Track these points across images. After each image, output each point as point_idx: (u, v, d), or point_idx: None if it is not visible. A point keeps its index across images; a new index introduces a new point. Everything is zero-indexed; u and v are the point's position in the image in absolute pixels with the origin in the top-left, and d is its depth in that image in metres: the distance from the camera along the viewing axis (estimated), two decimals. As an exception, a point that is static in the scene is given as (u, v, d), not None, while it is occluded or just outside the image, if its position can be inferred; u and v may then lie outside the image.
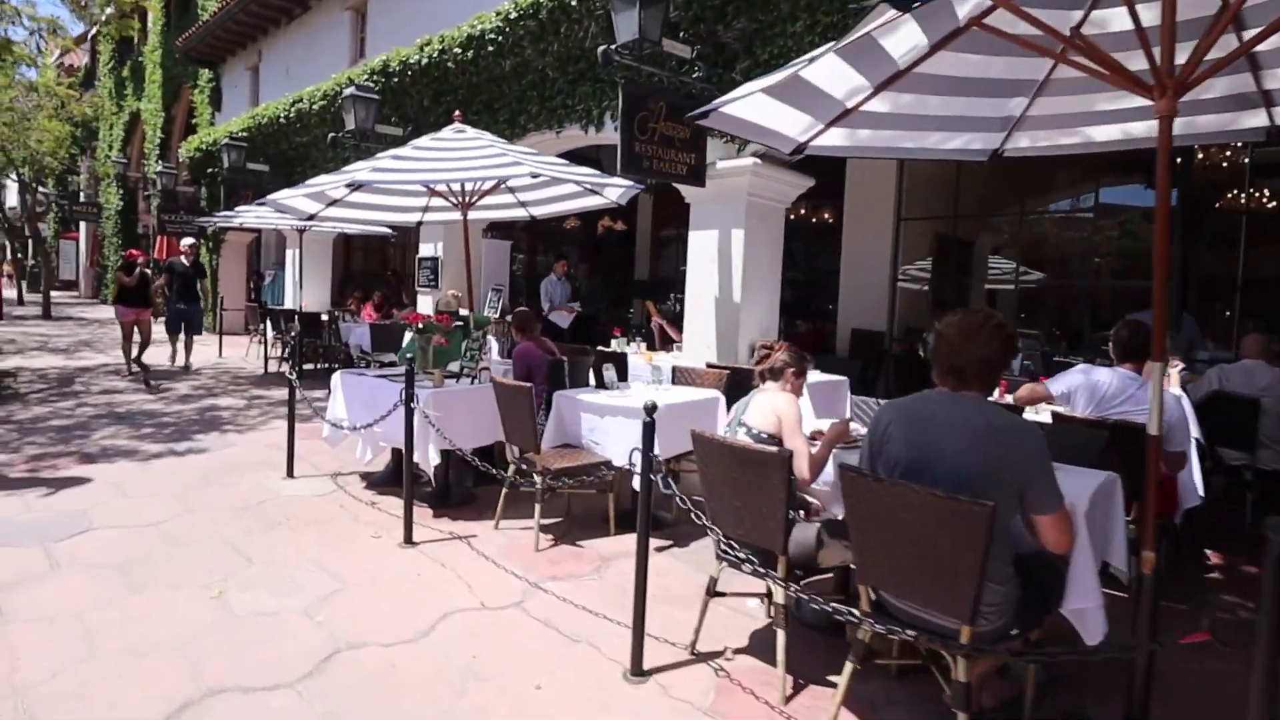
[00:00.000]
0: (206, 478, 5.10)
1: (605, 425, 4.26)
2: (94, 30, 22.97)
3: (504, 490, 4.27)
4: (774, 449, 2.60)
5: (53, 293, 20.45)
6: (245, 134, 12.22)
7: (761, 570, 2.65)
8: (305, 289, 12.23)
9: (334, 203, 5.97)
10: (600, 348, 7.12)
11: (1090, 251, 8.29)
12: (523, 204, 6.48)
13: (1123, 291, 8.11)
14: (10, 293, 23.06)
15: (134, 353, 9.12)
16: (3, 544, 3.75)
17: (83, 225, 26.19)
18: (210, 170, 13.66)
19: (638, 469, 4.14)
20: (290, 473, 5.19)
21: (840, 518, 3.16)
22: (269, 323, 10.98)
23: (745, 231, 5.98)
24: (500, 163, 4.54)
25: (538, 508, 4.05)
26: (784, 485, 2.58)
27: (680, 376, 5.13)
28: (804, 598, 2.42)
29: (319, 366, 10.53)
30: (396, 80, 9.09)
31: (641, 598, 2.75)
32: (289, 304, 12.41)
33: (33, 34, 8.31)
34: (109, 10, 9.47)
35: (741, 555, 2.67)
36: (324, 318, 10.18)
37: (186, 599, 3.22)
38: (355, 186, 5.50)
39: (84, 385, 8.61)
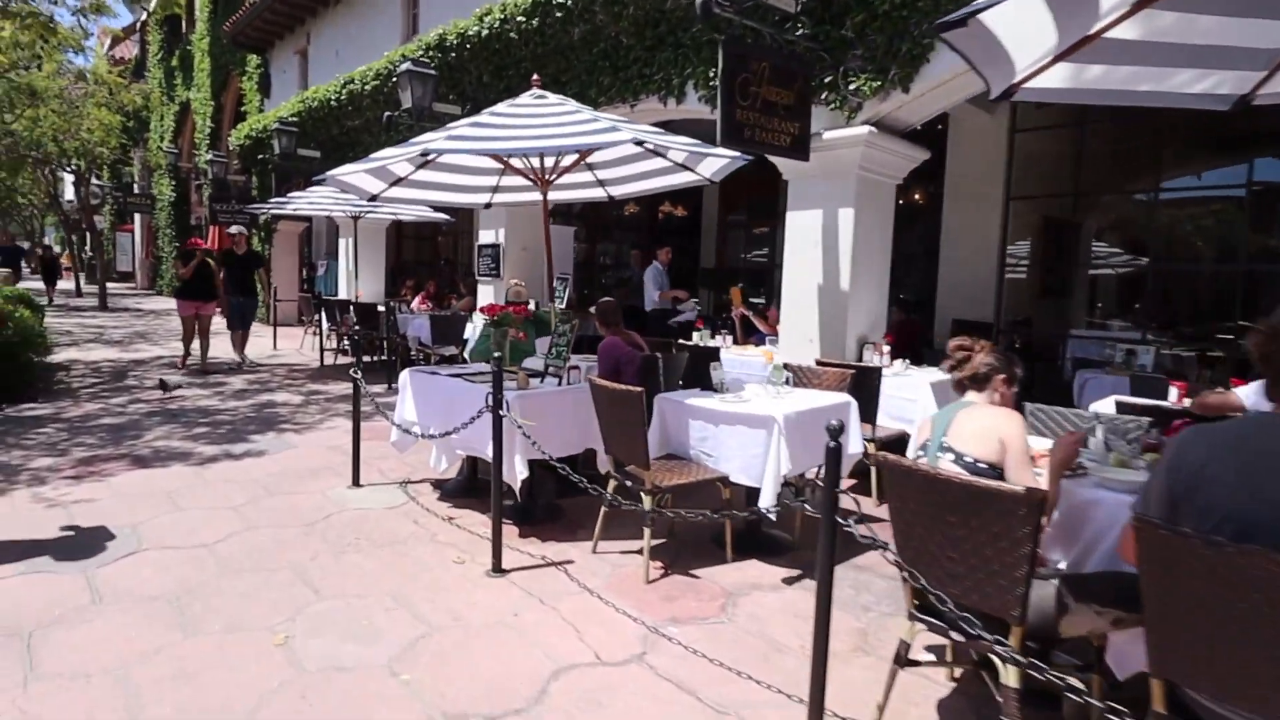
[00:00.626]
0: (266, 485, 4.63)
1: (721, 435, 3.63)
2: (143, 17, 23.06)
3: (604, 509, 3.68)
4: (1019, 489, 1.93)
5: (109, 284, 20.64)
6: (295, 119, 11.85)
7: (987, 640, 2.00)
8: (359, 279, 11.86)
9: (397, 181, 5.41)
10: (681, 341, 6.50)
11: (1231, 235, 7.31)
12: (601, 183, 5.85)
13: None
14: (69, 284, 23.41)
15: (194, 349, 8.91)
16: (41, 570, 3.29)
17: (137, 217, 26.49)
18: (261, 156, 13.37)
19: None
20: (356, 480, 4.69)
21: (1060, 565, 2.50)
22: (324, 314, 10.61)
23: (855, 210, 5.28)
24: (595, 129, 3.91)
25: (647, 533, 3.45)
26: (1030, 537, 1.92)
27: (794, 376, 4.46)
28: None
29: (376, 359, 10.12)
30: (454, 55, 8.55)
31: (821, 669, 2.13)
32: (343, 294, 12.06)
33: (76, 13, 7.90)
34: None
35: (946, 613, 2.02)
36: (380, 309, 9.73)
37: (247, 646, 2.70)
38: (427, 159, 4.94)
39: (137, 380, 8.31)
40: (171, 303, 10.56)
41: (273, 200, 9.18)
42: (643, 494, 3.43)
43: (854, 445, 3.94)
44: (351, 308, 10.14)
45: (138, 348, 11.01)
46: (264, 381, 8.50)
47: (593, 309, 4.84)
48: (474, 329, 8.29)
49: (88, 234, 20.17)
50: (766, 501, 3.39)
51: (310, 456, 5.37)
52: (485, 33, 7.96)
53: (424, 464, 4.79)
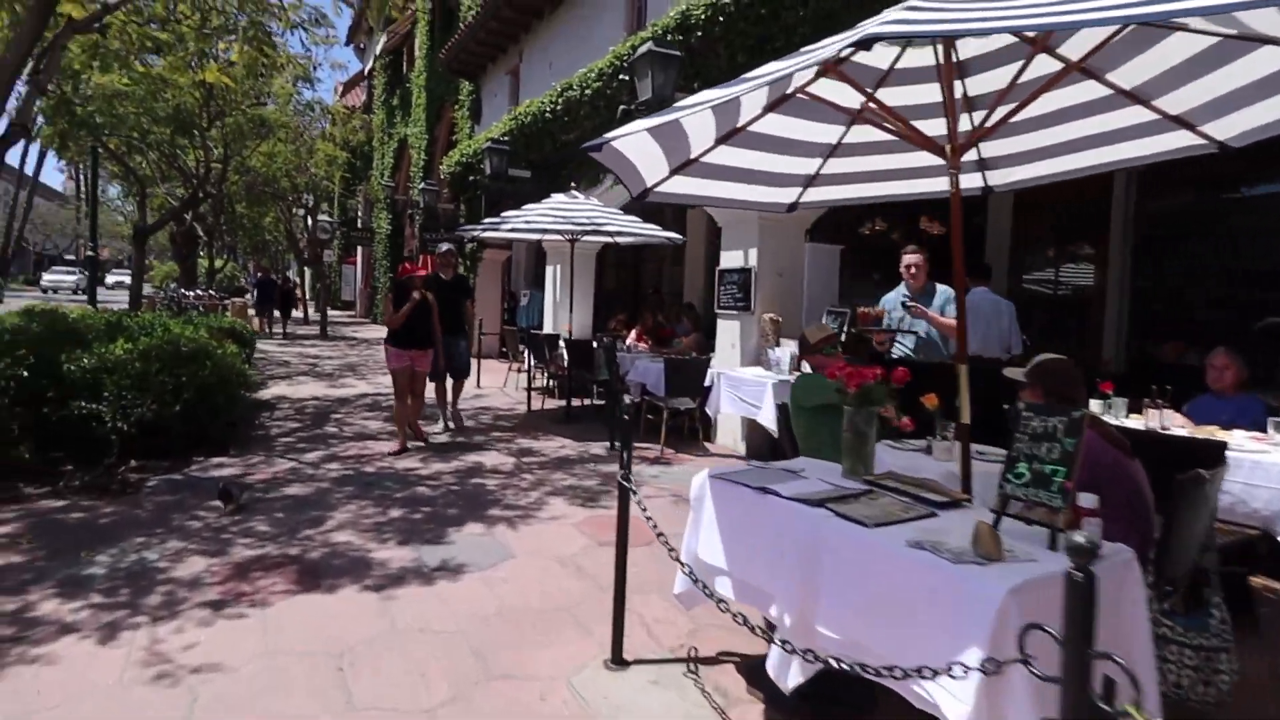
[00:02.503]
0: (476, 649, 2.91)
1: None
2: (369, 64, 24.47)
3: None
4: None
5: (333, 312, 21.72)
6: (506, 138, 10.90)
7: None
8: (563, 311, 10.55)
9: (685, 166, 3.60)
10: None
11: None
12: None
13: None
14: (299, 313, 25.19)
15: (410, 412, 6.44)
16: None
17: (359, 249, 28.20)
18: (472, 179, 12.68)
19: None
20: (617, 655, 2.83)
21: None
22: (530, 350, 9.33)
23: None
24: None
25: None
26: None
27: None
28: None
29: (587, 403, 8.60)
30: (700, 35, 6.83)
31: None
32: (548, 328, 10.82)
33: (295, 27, 7.13)
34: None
35: None
36: (596, 347, 8.20)
37: None
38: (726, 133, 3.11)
39: (337, 426, 7.31)
40: (383, 331, 9.76)
41: (486, 221, 7.98)
42: None
43: None
44: (563, 344, 8.72)
45: (346, 382, 10.40)
46: (469, 431, 7.18)
47: (1028, 371, 2.67)
48: (714, 377, 6.40)
49: (315, 265, 21.33)
50: None
51: (534, 579, 3.64)
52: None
53: (710, 608, 2.87)
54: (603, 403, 8.57)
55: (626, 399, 7.54)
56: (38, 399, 5.42)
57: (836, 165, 3.50)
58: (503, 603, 3.33)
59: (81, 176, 33.72)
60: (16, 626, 2.97)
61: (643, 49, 6.46)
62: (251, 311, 18.68)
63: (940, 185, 3.43)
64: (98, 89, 9.25)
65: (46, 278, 36.44)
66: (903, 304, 4.20)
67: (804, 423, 3.46)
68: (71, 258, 51.44)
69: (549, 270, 10.93)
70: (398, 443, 6.25)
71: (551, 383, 9.27)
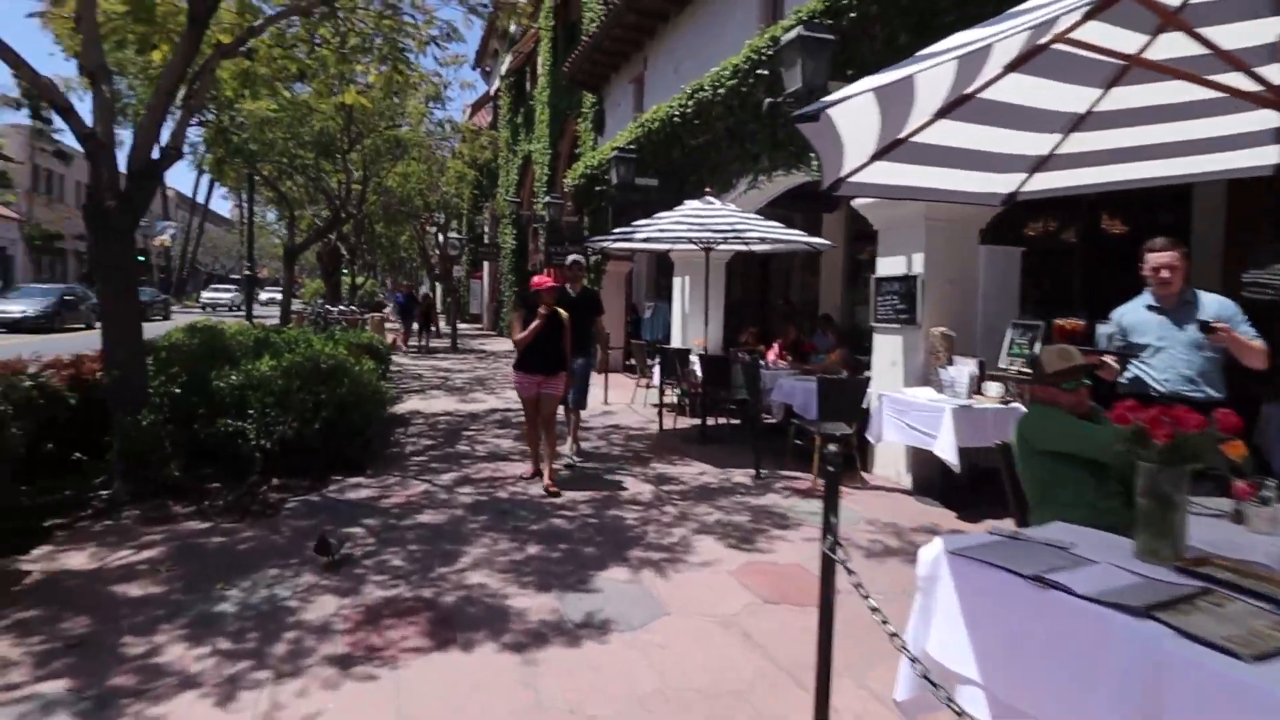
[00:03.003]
0: (637, 744, 2.40)
1: None
2: (495, 85, 25.16)
3: None
4: None
5: (462, 325, 22.39)
6: (632, 146, 10.56)
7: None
8: (692, 324, 10.04)
9: (892, 146, 2.96)
10: None
11: None
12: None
13: None
14: (436, 327, 26.24)
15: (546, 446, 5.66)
16: None
17: (486, 265, 29.05)
18: (599, 189, 12.46)
19: None
20: (815, 771, 2.23)
21: None
22: (660, 365, 8.87)
23: None
24: None
25: None
26: None
27: None
28: None
29: (721, 422, 8.01)
30: (852, 16, 6.13)
31: None
32: (676, 342, 10.34)
33: (427, 44, 7.05)
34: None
35: None
36: (736, 364, 7.61)
37: None
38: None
39: (469, 444, 7.13)
40: (510, 344, 9.64)
41: (616, 231, 7.60)
42: None
43: None
44: (697, 360, 8.20)
45: (476, 397, 10.36)
46: (602, 455, 6.77)
47: None
48: (875, 399, 5.64)
49: (446, 280, 22.07)
50: None
51: (694, 646, 3.09)
52: (912, -34, 5.41)
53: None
54: (738, 422, 7.95)
55: (766, 419, 6.92)
56: (189, 416, 5.51)
57: (1083, 141, 2.74)
58: (663, 680, 2.80)
59: (242, 203, 36.95)
60: (140, 676, 2.75)
61: (790, 35, 5.84)
62: (390, 326, 19.43)
63: (1234, 161, 2.60)
64: (249, 116, 9.71)
65: (205, 295, 40.39)
66: (1203, 325, 3.16)
67: (1039, 471, 2.71)
68: (235, 277, 56.70)
69: (676, 282, 10.47)
70: (530, 466, 5.88)
71: (683, 400, 8.75)
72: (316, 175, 13.09)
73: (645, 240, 7.07)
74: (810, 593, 3.58)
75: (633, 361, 10.29)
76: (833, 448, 2.33)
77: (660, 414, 8.21)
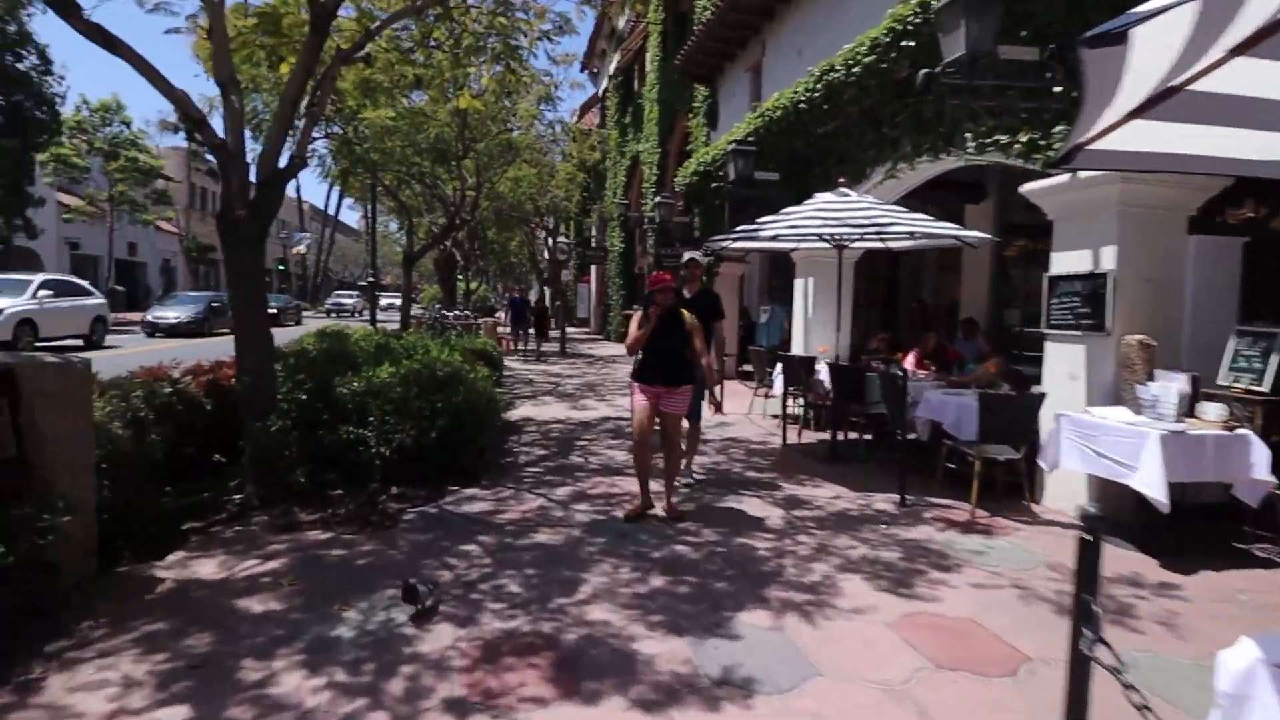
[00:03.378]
0: None
1: None
2: (604, 85, 25.20)
3: None
4: None
5: (570, 329, 22.54)
6: (751, 138, 10.02)
7: None
8: (817, 329, 9.38)
9: (1161, 100, 2.33)
10: None
11: None
12: None
13: None
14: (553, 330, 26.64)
15: (667, 472, 5.00)
16: None
17: (593, 268, 29.23)
18: (716, 185, 12.00)
19: None
20: None
21: None
22: (783, 373, 8.30)
23: None
24: None
25: None
26: None
27: None
28: None
29: (853, 438, 7.34)
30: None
31: None
32: (797, 348, 9.71)
33: (539, 39, 6.85)
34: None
35: None
36: (869, 374, 6.95)
37: None
38: None
39: (583, 454, 6.86)
40: (621, 348, 9.30)
41: (739, 229, 7.10)
42: None
43: None
44: (825, 369, 7.58)
45: (587, 404, 10.16)
46: (722, 471, 6.31)
47: None
48: (1049, 420, 4.86)
49: (553, 285, 22.32)
50: None
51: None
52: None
53: None
54: (871, 439, 7.26)
55: (911, 436, 6.22)
56: (314, 422, 5.51)
57: None
58: (829, 767, 2.31)
59: (366, 213, 39.05)
60: (256, 710, 2.56)
61: None
62: (503, 330, 19.64)
63: None
64: (370, 126, 9.94)
65: (329, 301, 43.53)
66: None
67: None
68: (363, 283, 60.36)
69: (799, 284, 9.83)
70: (634, 504, 4.92)
71: (808, 413, 8.12)
72: (433, 183, 13.38)
73: (773, 238, 6.54)
74: (993, 658, 2.99)
75: (749, 368, 9.75)
76: (1079, 508, 1.76)
77: (784, 427, 7.63)
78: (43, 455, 3.25)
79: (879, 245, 7.32)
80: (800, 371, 7.92)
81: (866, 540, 4.49)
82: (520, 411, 9.25)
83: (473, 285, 27.30)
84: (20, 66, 20.08)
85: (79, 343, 15.56)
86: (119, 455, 3.85)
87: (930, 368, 7.46)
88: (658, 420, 4.83)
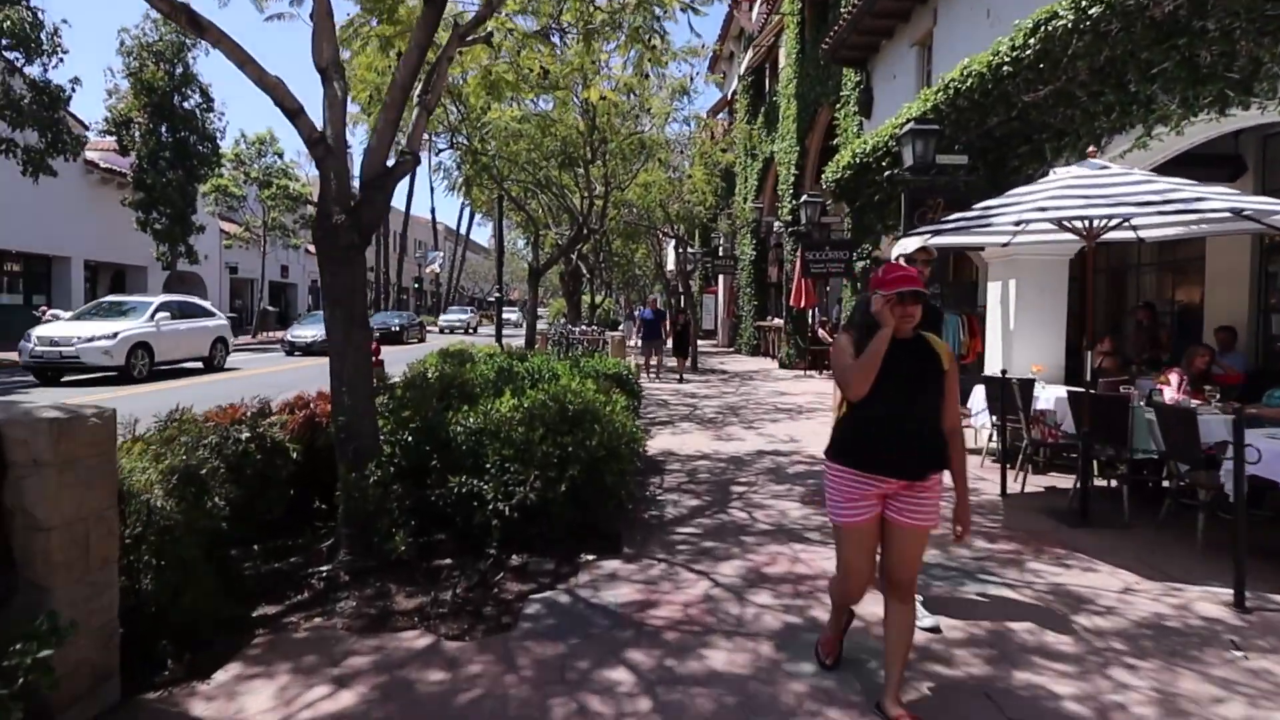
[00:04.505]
0: None
1: None
2: (734, 87, 23.84)
3: None
4: None
5: (699, 342, 21.21)
6: (930, 116, 8.32)
7: None
8: (1025, 343, 7.53)
9: None
10: None
11: None
12: None
13: None
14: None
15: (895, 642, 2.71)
16: None
17: (720, 278, 27.83)
18: (875, 178, 10.34)
19: None
20: None
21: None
22: (987, 399, 6.56)
23: None
24: None
25: None
26: None
27: None
28: None
29: (1119, 488, 5.51)
30: None
31: None
32: (992, 367, 7.85)
33: (685, 7, 5.70)
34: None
35: None
36: (1129, 401, 5.15)
37: None
38: None
39: (743, 505, 5.49)
40: (755, 362, 7.74)
41: (956, 217, 5.45)
42: None
43: None
44: (1054, 395, 5.83)
45: (732, 432, 8.78)
46: (938, 538, 4.73)
47: None
48: None
49: (681, 297, 21.12)
50: None
51: None
52: None
53: None
54: (1120, 485, 5.40)
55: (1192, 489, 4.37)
56: (421, 470, 4.50)
57: None
58: None
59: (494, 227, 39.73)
60: None
61: None
62: (631, 346, 17.16)
63: None
64: (495, 131, 9.14)
65: (443, 318, 39.70)
66: None
67: None
68: (491, 300, 62.01)
69: (992, 289, 8.00)
70: (825, 643, 3.01)
71: (1030, 451, 6.30)
72: (560, 192, 12.54)
73: (1018, 220, 4.90)
74: None
75: None
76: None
77: (1003, 473, 5.89)
78: (31, 552, 2.29)
79: (1159, 233, 5.49)
80: (1016, 398, 6.15)
81: (1220, 680, 2.82)
82: (658, 443, 8.01)
83: (597, 299, 26.66)
84: (186, 105, 21.46)
85: (199, 365, 15.55)
86: (164, 530, 2.90)
87: (1201, 394, 5.54)
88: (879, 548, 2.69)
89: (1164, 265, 9.53)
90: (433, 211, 68.40)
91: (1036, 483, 6.12)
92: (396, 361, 8.67)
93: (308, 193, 29.50)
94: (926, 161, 7.92)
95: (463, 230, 53.89)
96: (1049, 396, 6.29)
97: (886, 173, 9.46)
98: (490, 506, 4.28)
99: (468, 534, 4.33)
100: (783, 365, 17.78)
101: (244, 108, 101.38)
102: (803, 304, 15.17)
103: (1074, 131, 6.73)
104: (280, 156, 27.11)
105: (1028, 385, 6.27)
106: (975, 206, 5.25)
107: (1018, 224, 4.93)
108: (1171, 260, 9.29)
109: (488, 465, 4.42)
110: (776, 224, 20.31)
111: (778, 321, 19.68)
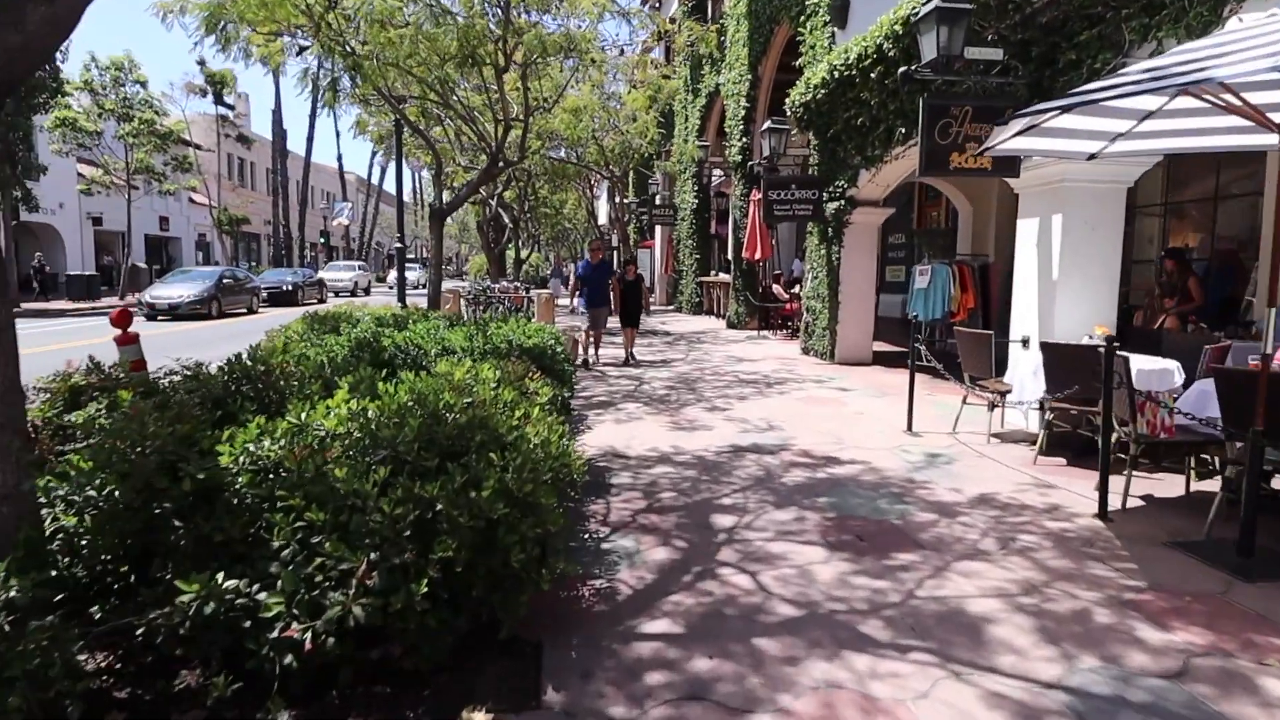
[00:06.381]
0: None
1: None
2: (671, 15, 21.34)
3: None
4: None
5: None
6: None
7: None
8: (1075, 298, 5.79)
9: None
10: None
11: None
12: None
13: None
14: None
15: None
16: None
17: (658, 230, 25.65)
18: (864, 94, 8.33)
19: None
20: None
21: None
22: (1047, 373, 4.76)
23: None
24: None
25: None
26: None
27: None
28: None
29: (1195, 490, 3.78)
30: None
31: None
32: (1016, 330, 6.06)
33: None
34: None
35: None
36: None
37: None
38: None
39: (741, 561, 3.50)
40: (699, 322, 5.56)
41: (1034, 109, 3.48)
42: None
43: None
44: (1167, 372, 4.06)
45: (694, 417, 6.77)
46: (1031, 583, 2.86)
47: None
48: None
49: (619, 250, 18.88)
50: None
51: None
52: None
53: None
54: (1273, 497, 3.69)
55: None
56: (138, 560, 2.31)
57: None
58: None
59: (412, 175, 36.29)
60: None
61: None
62: (569, 306, 12.57)
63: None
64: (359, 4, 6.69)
65: (325, 275, 29.43)
66: None
67: None
68: (411, 255, 57.61)
69: (1025, 226, 6.19)
70: None
71: (1141, 450, 4.48)
72: (470, 116, 10.06)
73: (1144, 118, 2.95)
74: None
75: (932, 361, 6.16)
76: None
77: (1103, 485, 4.05)
78: None
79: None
80: (1088, 375, 4.33)
81: None
82: (598, 436, 5.93)
83: (523, 253, 24.11)
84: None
85: None
86: None
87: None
88: None
89: (1181, 207, 7.98)
90: (339, 158, 63.21)
91: (1143, 487, 4.39)
92: (269, 329, 6.32)
93: (181, 130, 25.55)
94: (951, 55, 5.95)
95: (374, 181, 49.70)
96: (1147, 372, 4.53)
97: (886, 80, 7.45)
98: (276, 633, 2.14)
99: (242, 682, 2.19)
100: (731, 325, 15.92)
101: (92, 26, 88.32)
102: (757, 255, 13.25)
103: (1155, 6, 4.86)
104: (144, 85, 23.06)
105: (1108, 355, 4.46)
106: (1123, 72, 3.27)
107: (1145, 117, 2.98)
108: (1185, 190, 7.72)
109: (276, 544, 2.27)
110: (718, 173, 18.24)
111: (724, 277, 17.75)
